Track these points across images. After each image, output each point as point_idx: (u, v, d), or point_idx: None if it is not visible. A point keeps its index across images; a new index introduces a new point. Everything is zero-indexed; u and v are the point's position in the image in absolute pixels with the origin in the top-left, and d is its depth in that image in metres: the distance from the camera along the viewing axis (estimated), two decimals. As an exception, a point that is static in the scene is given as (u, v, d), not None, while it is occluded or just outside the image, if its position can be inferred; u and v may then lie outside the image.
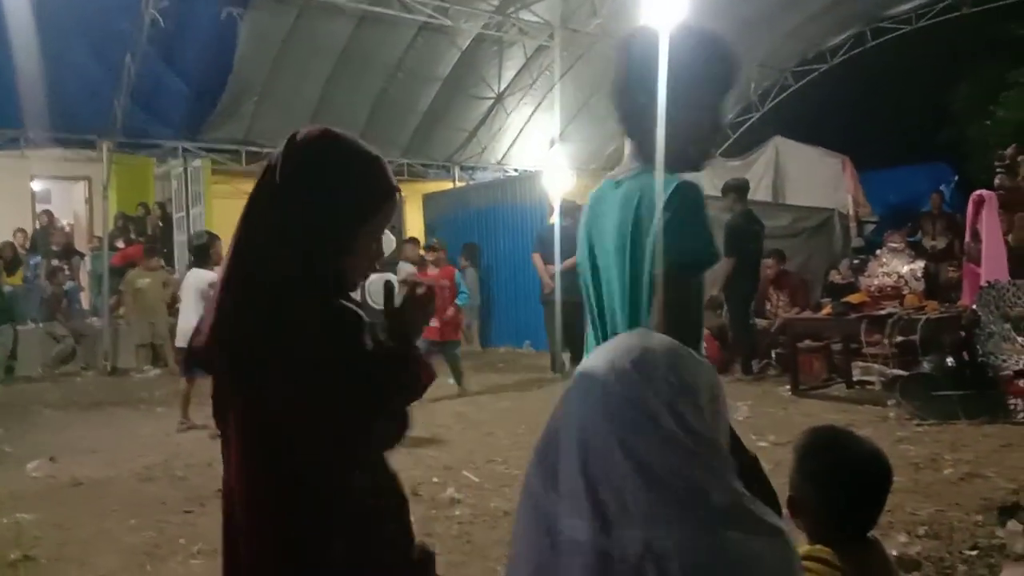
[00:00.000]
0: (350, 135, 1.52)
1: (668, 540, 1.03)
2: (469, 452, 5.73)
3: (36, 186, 13.62)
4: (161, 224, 13.26)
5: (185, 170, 12.81)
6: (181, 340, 6.89)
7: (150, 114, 11.78)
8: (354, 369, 1.38)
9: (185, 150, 12.62)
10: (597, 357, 1.15)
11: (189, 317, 6.78)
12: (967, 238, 7.55)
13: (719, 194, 8.80)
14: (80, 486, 5.19)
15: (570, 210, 11.14)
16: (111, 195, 12.14)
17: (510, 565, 1.17)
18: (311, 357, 1.35)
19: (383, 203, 1.52)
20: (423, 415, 7.19)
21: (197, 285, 6.70)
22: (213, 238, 7.10)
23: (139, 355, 10.86)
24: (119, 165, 12.20)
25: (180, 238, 13.00)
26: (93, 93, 10.95)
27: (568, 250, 10.73)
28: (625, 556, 1.02)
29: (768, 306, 9.35)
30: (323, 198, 1.43)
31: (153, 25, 10.01)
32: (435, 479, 4.98)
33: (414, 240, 13.18)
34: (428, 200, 14.68)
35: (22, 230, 12.09)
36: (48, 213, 13.08)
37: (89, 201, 13.60)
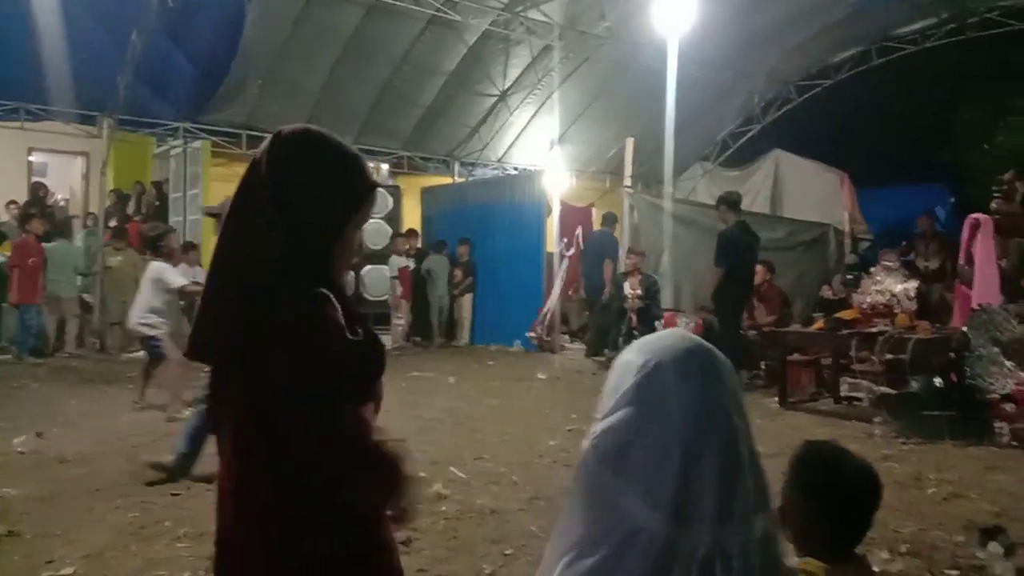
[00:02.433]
0: (332, 133, 1.57)
1: (736, 539, 1.07)
2: (457, 448, 5.75)
3: (34, 159, 13.54)
4: (157, 203, 13.20)
5: (185, 151, 12.77)
6: (130, 323, 7.13)
7: (153, 92, 11.71)
8: (331, 357, 1.39)
9: (186, 131, 12.57)
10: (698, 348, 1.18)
11: (137, 304, 6.93)
12: (961, 261, 7.60)
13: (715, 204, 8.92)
14: (67, 463, 5.18)
15: (610, 220, 11.50)
16: (109, 172, 12.09)
17: (561, 538, 1.17)
18: (292, 348, 1.37)
19: (364, 200, 1.56)
20: (410, 409, 7.20)
21: (148, 275, 6.89)
22: (167, 230, 7.43)
23: (114, 333, 10.86)
24: (118, 142, 12.14)
25: (176, 219, 12.96)
26: (96, 68, 10.87)
27: (601, 255, 11.08)
28: (695, 551, 1.05)
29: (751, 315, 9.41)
30: (310, 193, 1.47)
31: (161, 2, 9.96)
32: (422, 474, 4.99)
33: (411, 233, 13.23)
34: (426, 194, 14.67)
35: (15, 202, 12.01)
36: (39, 185, 12.93)
37: (86, 177, 13.53)
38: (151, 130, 12.68)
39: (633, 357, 1.17)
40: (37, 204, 12.03)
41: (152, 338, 6.86)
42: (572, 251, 12.73)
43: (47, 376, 8.21)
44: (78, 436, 5.91)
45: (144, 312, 6.81)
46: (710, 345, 1.19)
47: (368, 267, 12.46)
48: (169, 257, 7.08)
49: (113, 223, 12.20)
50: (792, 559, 1.67)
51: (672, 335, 1.20)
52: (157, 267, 6.89)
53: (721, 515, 1.07)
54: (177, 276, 6.92)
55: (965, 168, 13.94)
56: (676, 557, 1.06)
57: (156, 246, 7.09)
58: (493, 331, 12.70)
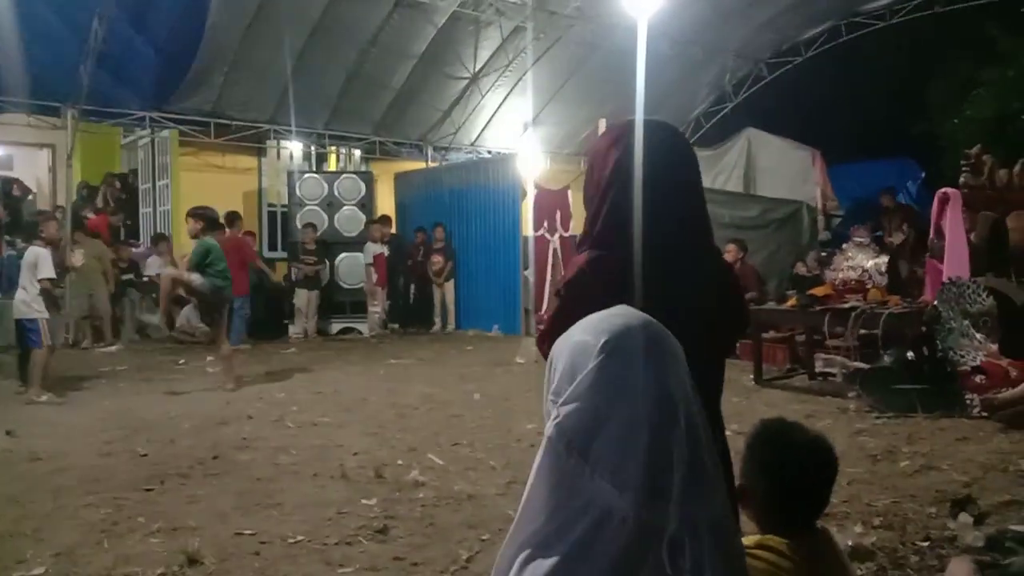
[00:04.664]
0: None
1: (704, 515, 1.06)
2: (434, 434, 5.73)
3: (-2, 152, 13.29)
4: (122, 195, 12.97)
5: (152, 140, 12.58)
6: (16, 312, 7.23)
7: (118, 81, 11.48)
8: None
9: (153, 120, 12.36)
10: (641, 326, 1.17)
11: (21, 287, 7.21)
12: (931, 235, 7.67)
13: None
14: (38, 460, 5.11)
15: None
16: (75, 164, 11.86)
17: (521, 529, 1.14)
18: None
19: None
20: (388, 396, 7.18)
21: (26, 260, 7.23)
22: (46, 216, 8.02)
23: (80, 328, 10.74)
24: (84, 133, 11.91)
25: (146, 210, 12.78)
26: (58, 58, 10.64)
27: None
28: (665, 530, 1.04)
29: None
30: None
31: (122, -11, 9.76)
32: (400, 461, 4.98)
33: (384, 219, 13.12)
34: (400, 179, 14.57)
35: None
36: (10, 180, 12.72)
37: (52, 169, 13.28)
38: (117, 120, 12.46)
39: (588, 338, 1.14)
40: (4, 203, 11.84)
41: (32, 321, 7.08)
42: (557, 235, 12.58)
43: (13, 373, 8.04)
44: (50, 433, 5.83)
45: (29, 295, 7.09)
46: (658, 322, 1.17)
47: (343, 255, 12.38)
48: (51, 244, 7.38)
49: (90, 214, 12.03)
50: (752, 536, 1.68)
51: (622, 314, 1.18)
52: (34, 252, 7.19)
53: (688, 493, 1.05)
54: (49, 267, 7.16)
55: (935, 142, 14.05)
56: (647, 538, 1.04)
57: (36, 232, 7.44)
58: (471, 316, 12.68)
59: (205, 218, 7.70)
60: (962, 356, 6.26)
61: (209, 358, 9.10)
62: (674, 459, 1.06)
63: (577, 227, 12.08)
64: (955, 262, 7.02)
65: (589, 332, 1.16)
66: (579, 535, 1.06)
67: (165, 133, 12.38)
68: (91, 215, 12.07)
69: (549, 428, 1.12)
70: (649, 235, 1.65)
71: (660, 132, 1.78)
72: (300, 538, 3.68)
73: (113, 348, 10.43)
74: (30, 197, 12.99)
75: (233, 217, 11.40)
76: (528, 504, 1.13)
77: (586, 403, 1.09)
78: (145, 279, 11.33)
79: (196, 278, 7.34)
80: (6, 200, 12.06)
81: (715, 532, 1.07)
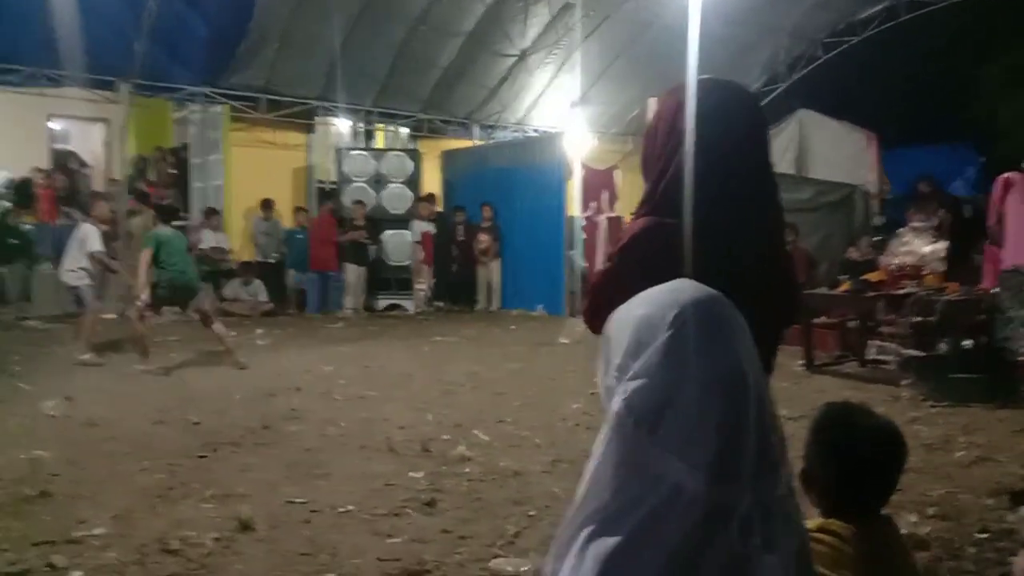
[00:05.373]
0: None
1: (773, 492, 1.05)
2: (479, 411, 5.75)
3: (54, 126, 13.57)
4: (175, 171, 13.17)
5: (204, 115, 12.74)
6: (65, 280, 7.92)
7: (170, 57, 11.65)
8: None
9: (205, 95, 12.52)
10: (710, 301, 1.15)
11: (68, 258, 7.89)
12: (991, 221, 7.41)
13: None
14: (95, 426, 5.25)
15: None
16: (129, 138, 12.08)
17: (585, 505, 1.11)
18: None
19: None
20: (433, 373, 7.22)
21: (77, 235, 7.90)
22: (96, 197, 8.79)
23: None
24: (138, 107, 12.11)
25: (198, 184, 12.97)
26: (113, 33, 10.81)
27: None
28: (737, 508, 1.03)
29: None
30: None
31: (176, -34, 9.87)
32: (445, 436, 5.01)
33: (430, 197, 13.15)
34: (447, 157, 14.57)
35: (40, 169, 12.06)
36: (69, 154, 13.06)
37: (107, 143, 13.55)
38: (170, 95, 12.64)
39: (653, 312, 1.11)
40: (64, 173, 12.17)
41: (77, 288, 7.77)
42: (604, 215, 12.53)
43: (72, 341, 8.25)
44: (106, 400, 5.98)
45: (74, 266, 7.75)
46: (723, 295, 1.14)
47: (390, 232, 12.44)
48: (103, 223, 8.13)
49: (144, 187, 12.28)
50: (814, 520, 1.64)
51: (686, 288, 1.14)
52: (84, 228, 7.89)
53: (759, 469, 1.03)
54: (97, 242, 7.76)
55: (996, 126, 13.61)
56: (717, 516, 1.02)
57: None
58: (515, 296, 12.67)
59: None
60: (1022, 346, 6.08)
61: (259, 331, 9.25)
62: (745, 435, 1.04)
63: (623, 208, 12.00)
64: (1015, 249, 6.78)
65: (654, 306, 1.12)
66: (646, 513, 1.03)
67: (217, 108, 12.53)
68: (146, 188, 12.31)
69: (616, 404, 1.09)
70: (711, 202, 1.50)
71: (727, 92, 1.66)
72: (349, 508, 3.73)
73: (163, 319, 10.61)
74: (86, 170, 13.30)
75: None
76: (593, 481, 1.11)
77: (655, 379, 1.06)
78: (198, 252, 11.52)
79: (145, 298, 7.21)
80: (63, 172, 12.35)
81: (784, 509, 1.05)
